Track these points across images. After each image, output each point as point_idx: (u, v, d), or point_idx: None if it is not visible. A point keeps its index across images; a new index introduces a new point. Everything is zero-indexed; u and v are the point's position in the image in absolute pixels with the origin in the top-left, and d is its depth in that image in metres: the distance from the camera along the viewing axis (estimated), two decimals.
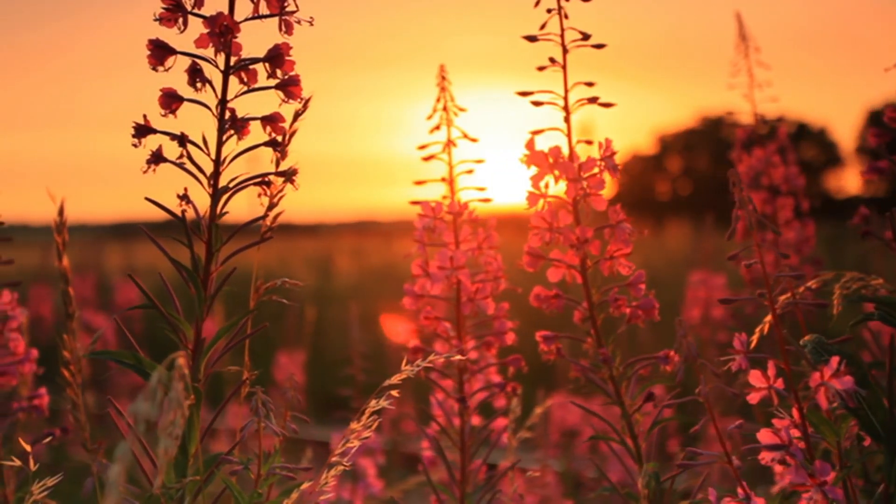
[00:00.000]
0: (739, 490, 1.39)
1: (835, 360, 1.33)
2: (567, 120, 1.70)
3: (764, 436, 1.37)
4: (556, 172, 1.68)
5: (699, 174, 30.77)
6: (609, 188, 1.70)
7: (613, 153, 1.68)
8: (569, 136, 1.71)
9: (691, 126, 31.41)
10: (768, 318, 1.62)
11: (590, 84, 1.70)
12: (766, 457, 1.36)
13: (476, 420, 1.94)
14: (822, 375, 1.34)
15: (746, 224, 1.41)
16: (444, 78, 1.85)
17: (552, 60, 1.68)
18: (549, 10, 1.68)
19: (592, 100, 1.69)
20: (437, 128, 1.84)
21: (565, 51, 1.69)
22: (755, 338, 1.55)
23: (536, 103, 1.70)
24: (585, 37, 1.68)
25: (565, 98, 1.70)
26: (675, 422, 2.34)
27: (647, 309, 1.69)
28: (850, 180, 30.38)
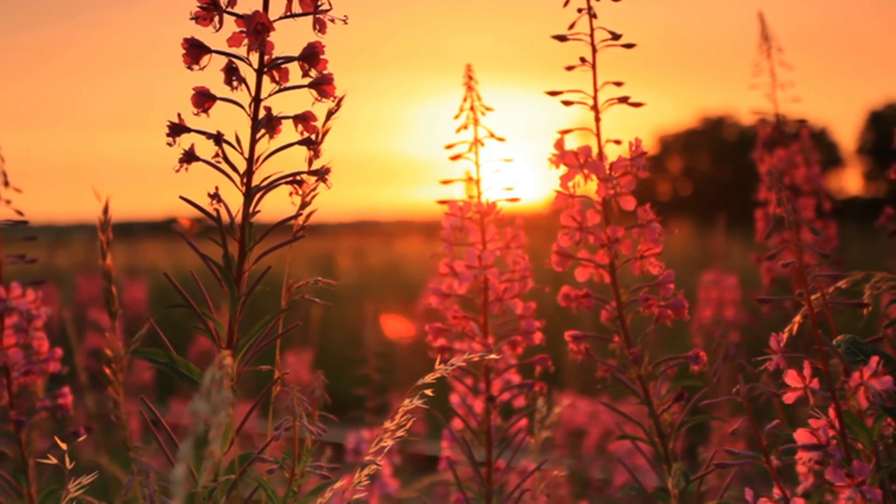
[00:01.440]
0: (775, 490, 1.39)
1: (874, 360, 1.33)
2: (596, 119, 1.70)
3: (801, 436, 1.37)
4: (586, 172, 1.68)
5: (700, 174, 30.78)
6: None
7: (643, 153, 1.68)
8: (598, 135, 1.71)
9: (692, 126, 31.43)
10: (797, 317, 1.62)
11: (619, 84, 1.70)
12: (803, 457, 1.36)
13: (496, 419, 1.94)
14: (862, 375, 1.34)
15: (775, 223, 1.41)
16: (471, 77, 1.84)
17: (583, 60, 1.68)
18: (579, 10, 1.68)
19: (623, 99, 1.70)
20: (465, 127, 1.84)
21: (594, 50, 1.69)
22: (784, 337, 1.54)
23: (566, 103, 1.70)
24: (615, 36, 1.68)
25: (594, 98, 1.70)
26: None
27: (677, 308, 1.69)
28: (850, 181, 30.42)
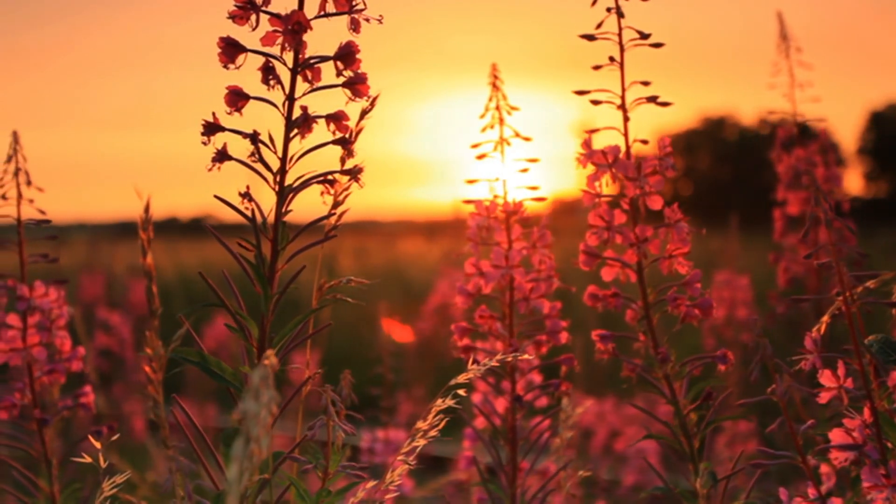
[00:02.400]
0: (810, 490, 1.39)
1: None
2: (625, 119, 1.71)
3: (836, 436, 1.37)
4: (614, 171, 1.68)
5: (700, 175, 30.77)
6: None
7: (670, 152, 1.68)
8: (625, 135, 1.72)
9: (692, 126, 31.44)
10: (825, 317, 1.62)
11: (646, 83, 1.70)
12: (839, 457, 1.36)
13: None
14: None
15: (810, 222, 1.41)
16: (496, 77, 1.84)
17: (611, 59, 1.69)
18: (608, 10, 1.68)
19: (651, 99, 1.70)
20: (491, 126, 1.84)
21: (622, 49, 1.70)
22: (817, 337, 1.54)
23: (595, 102, 1.70)
24: (643, 36, 1.69)
25: (622, 97, 1.71)
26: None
27: (705, 308, 1.68)
28: (851, 181, 30.40)
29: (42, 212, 1.93)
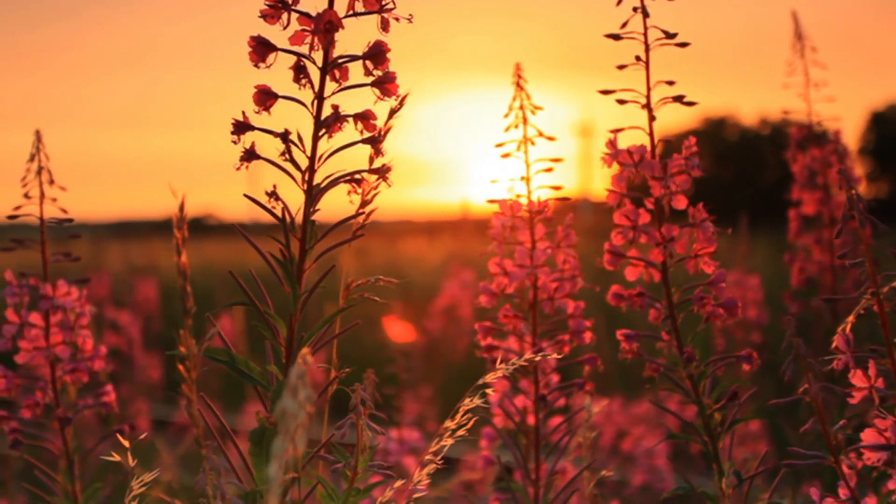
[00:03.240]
0: (842, 491, 1.39)
1: None
2: (650, 119, 1.70)
3: (868, 436, 1.37)
4: (639, 170, 1.68)
5: (701, 175, 30.71)
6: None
7: (696, 152, 1.68)
8: (651, 134, 1.71)
9: (693, 127, 31.38)
10: (850, 317, 1.62)
11: (671, 83, 1.70)
12: (871, 457, 1.36)
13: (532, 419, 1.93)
14: None
15: (844, 221, 1.41)
16: (520, 76, 1.84)
17: (637, 59, 1.68)
18: (634, 9, 1.68)
19: (677, 98, 1.70)
20: (516, 126, 1.84)
21: (647, 49, 1.70)
22: (850, 335, 1.54)
23: (620, 101, 1.70)
24: (669, 35, 1.68)
25: (647, 96, 1.70)
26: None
27: (730, 308, 1.68)
28: None
29: (64, 210, 1.93)
